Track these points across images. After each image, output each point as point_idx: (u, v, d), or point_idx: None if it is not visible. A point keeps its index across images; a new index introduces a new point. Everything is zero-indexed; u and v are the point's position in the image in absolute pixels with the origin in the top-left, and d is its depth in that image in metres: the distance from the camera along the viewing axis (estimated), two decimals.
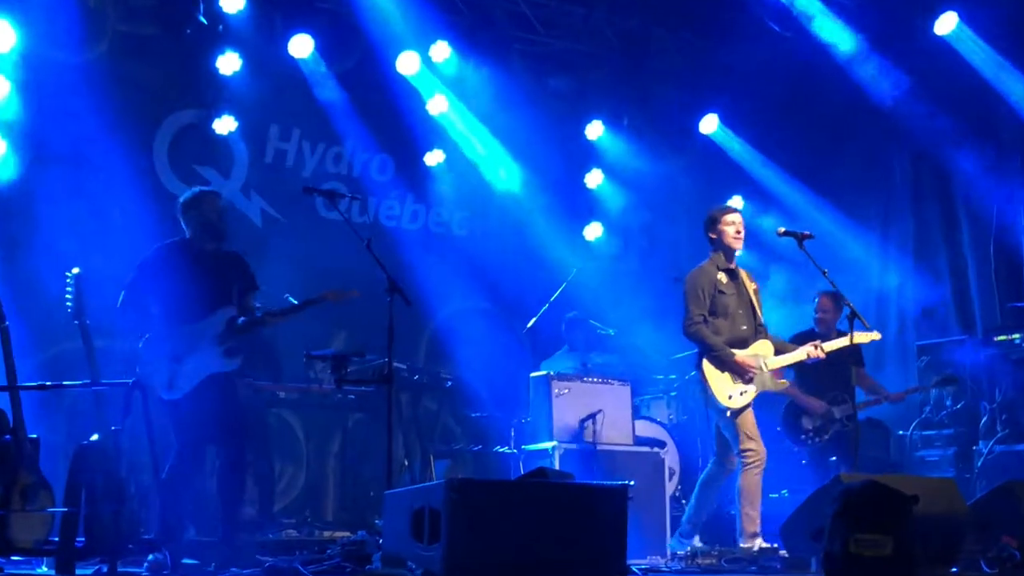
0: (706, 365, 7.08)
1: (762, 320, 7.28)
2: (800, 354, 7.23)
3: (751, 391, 7.03)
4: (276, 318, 6.68)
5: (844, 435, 8.42)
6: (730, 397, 7.01)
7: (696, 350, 7.23)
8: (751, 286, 7.31)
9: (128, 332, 6.56)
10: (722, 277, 7.18)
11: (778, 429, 8.66)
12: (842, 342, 7.26)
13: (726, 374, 7.04)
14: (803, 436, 8.55)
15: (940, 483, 6.49)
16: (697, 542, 7.24)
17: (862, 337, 7.32)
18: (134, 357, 6.37)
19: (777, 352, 7.21)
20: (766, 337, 7.23)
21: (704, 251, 7.37)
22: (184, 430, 6.32)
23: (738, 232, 7.20)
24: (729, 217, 7.23)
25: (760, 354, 7.12)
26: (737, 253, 7.30)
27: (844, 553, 3.96)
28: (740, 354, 7.05)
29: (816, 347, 7.20)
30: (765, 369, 7.09)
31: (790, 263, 7.40)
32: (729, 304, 7.16)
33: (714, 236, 7.26)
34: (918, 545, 4.07)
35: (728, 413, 7.00)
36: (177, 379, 6.29)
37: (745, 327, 7.17)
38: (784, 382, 7.33)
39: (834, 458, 8.44)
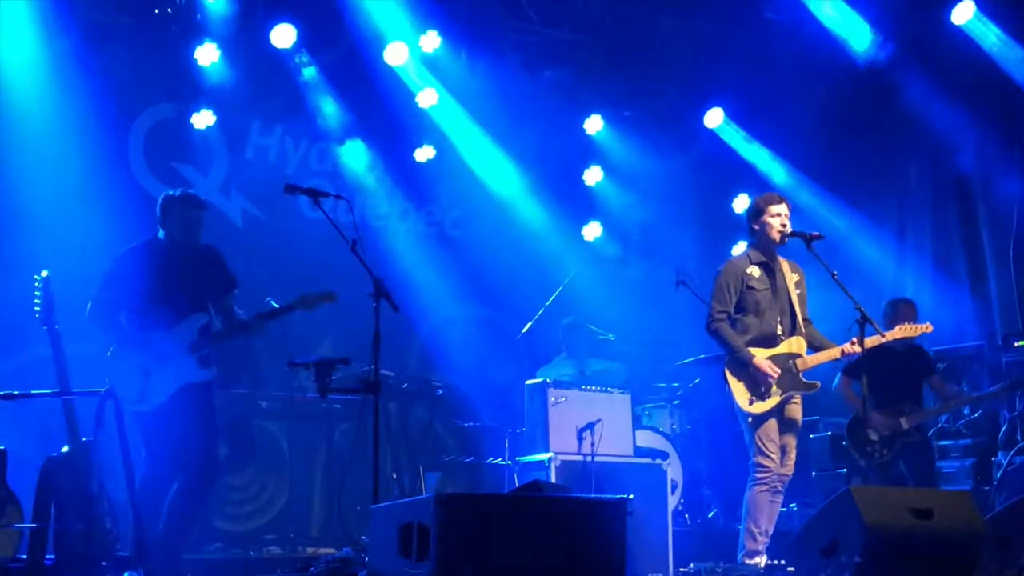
0: (728, 367, 7.07)
1: (803, 315, 7.15)
2: (835, 352, 7.09)
3: (774, 395, 6.97)
4: (248, 331, 6.72)
5: (913, 447, 8.35)
6: (751, 402, 6.99)
7: (720, 350, 7.21)
8: (792, 278, 7.19)
9: (99, 341, 6.59)
10: (754, 271, 7.09)
11: (844, 444, 8.61)
12: (893, 335, 7.20)
13: (744, 379, 7.02)
14: (868, 449, 8.33)
15: (956, 496, 6.51)
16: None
17: (910, 331, 7.28)
18: (105, 365, 6.40)
19: (813, 349, 7.11)
20: (804, 334, 7.11)
21: (709, 251, 7.36)
22: (157, 443, 6.34)
23: (783, 225, 7.05)
24: (775, 208, 7.08)
25: (792, 352, 7.04)
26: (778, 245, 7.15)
27: None
28: (759, 358, 6.96)
29: (853, 343, 6.98)
30: (796, 368, 7.01)
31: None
32: (760, 300, 7.07)
33: (756, 227, 7.15)
34: None
35: (750, 419, 6.98)
36: (148, 391, 6.32)
37: (776, 324, 7.07)
38: (816, 383, 7.10)
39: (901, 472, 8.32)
